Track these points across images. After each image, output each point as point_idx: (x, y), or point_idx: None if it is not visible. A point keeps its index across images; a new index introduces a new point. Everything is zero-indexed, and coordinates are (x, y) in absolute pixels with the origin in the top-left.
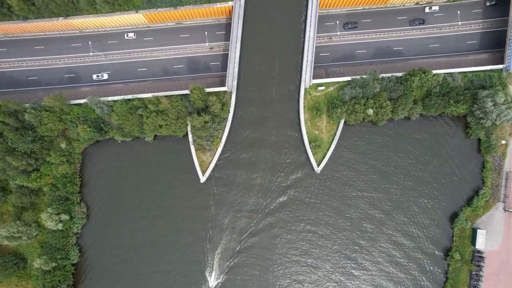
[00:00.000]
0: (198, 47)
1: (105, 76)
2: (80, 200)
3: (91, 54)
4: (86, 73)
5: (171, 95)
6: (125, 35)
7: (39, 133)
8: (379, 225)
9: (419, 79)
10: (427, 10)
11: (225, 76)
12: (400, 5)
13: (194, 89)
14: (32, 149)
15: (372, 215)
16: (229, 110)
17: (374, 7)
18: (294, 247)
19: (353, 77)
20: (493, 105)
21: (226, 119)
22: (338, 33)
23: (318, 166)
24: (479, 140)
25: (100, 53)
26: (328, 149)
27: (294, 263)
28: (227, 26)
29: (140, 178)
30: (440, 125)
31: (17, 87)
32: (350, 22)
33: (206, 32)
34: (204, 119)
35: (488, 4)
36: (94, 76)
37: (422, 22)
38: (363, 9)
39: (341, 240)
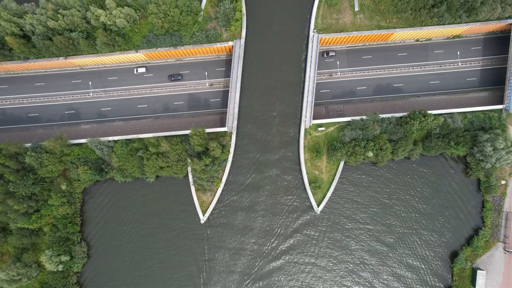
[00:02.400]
0: (198, 84)
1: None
2: (80, 239)
3: (90, 91)
4: (86, 110)
5: (171, 136)
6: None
7: (40, 175)
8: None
9: (419, 123)
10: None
11: (225, 113)
12: (400, 42)
13: (195, 134)
14: (33, 191)
15: (374, 248)
16: (229, 151)
17: (374, 43)
18: (295, 279)
19: (353, 118)
20: (493, 149)
21: (226, 160)
22: (339, 69)
23: (318, 207)
24: (479, 179)
25: (100, 89)
26: (328, 190)
27: None
28: (228, 63)
29: (140, 219)
30: (440, 163)
31: (17, 124)
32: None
33: (206, 69)
34: (204, 162)
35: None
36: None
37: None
38: (363, 45)
39: (343, 272)
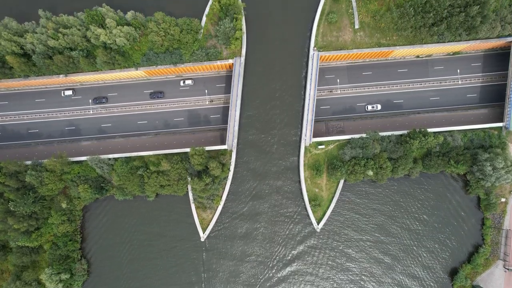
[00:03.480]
0: (198, 100)
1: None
2: (81, 256)
3: (90, 107)
4: (86, 126)
5: (171, 154)
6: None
7: (40, 193)
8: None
9: (419, 142)
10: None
11: (225, 129)
12: (400, 58)
13: (195, 153)
14: (33, 210)
15: (372, 266)
16: (229, 169)
17: (375, 59)
18: None
19: (353, 136)
20: (493, 169)
21: (226, 178)
22: (339, 85)
23: (318, 224)
24: (479, 197)
25: (99, 105)
26: (328, 207)
27: None
28: (228, 79)
29: (140, 236)
30: (440, 179)
31: (18, 140)
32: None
33: (206, 85)
34: (204, 182)
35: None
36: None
37: None
38: (364, 61)
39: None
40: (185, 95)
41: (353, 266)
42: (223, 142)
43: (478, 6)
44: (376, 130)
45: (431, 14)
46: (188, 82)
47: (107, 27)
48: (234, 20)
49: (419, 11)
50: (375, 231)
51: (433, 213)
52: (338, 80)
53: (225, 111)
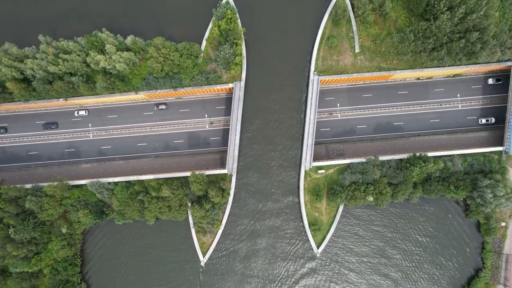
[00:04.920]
0: (198, 122)
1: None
2: (81, 280)
3: (90, 131)
4: (86, 148)
5: (172, 179)
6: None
7: (40, 219)
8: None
9: (419, 168)
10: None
11: (225, 151)
12: (400, 80)
13: (195, 180)
14: (33, 236)
15: (376, 282)
16: (229, 193)
17: (375, 81)
18: None
19: (353, 160)
20: (493, 196)
21: (226, 202)
22: (339, 108)
23: (318, 248)
24: (479, 221)
25: (99, 127)
26: (328, 231)
27: None
28: (228, 100)
29: (139, 259)
30: (441, 202)
31: (17, 162)
32: None
33: (206, 108)
34: (205, 208)
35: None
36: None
37: None
38: (364, 83)
39: None
40: (184, 117)
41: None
42: (223, 164)
43: (478, 32)
44: (376, 155)
45: (431, 40)
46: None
47: (107, 53)
48: (234, 45)
49: (419, 37)
50: (375, 254)
51: (433, 235)
52: (338, 103)
53: (225, 133)
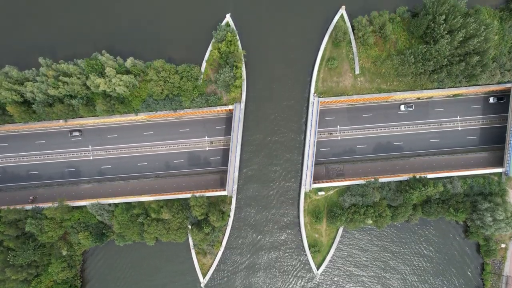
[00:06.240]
0: (198, 142)
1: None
2: None
3: (90, 151)
4: (86, 168)
5: (172, 200)
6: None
7: (40, 241)
8: None
9: (418, 192)
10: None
11: (225, 171)
12: (401, 100)
13: (195, 204)
14: (33, 259)
15: None
16: (229, 215)
17: (375, 101)
18: None
19: (352, 182)
20: (493, 220)
21: (226, 224)
22: (339, 127)
23: (317, 270)
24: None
25: (99, 147)
26: (327, 253)
27: None
28: (228, 120)
29: (140, 279)
30: (441, 223)
31: (17, 181)
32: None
33: (206, 127)
34: (204, 232)
35: (491, 101)
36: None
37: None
38: (364, 103)
39: None
40: (184, 137)
41: None
42: (223, 184)
43: (478, 56)
44: (376, 178)
45: (431, 62)
46: (76, 133)
47: (107, 76)
48: (234, 68)
49: (419, 59)
50: (375, 274)
51: (434, 255)
52: (338, 122)
53: (225, 152)
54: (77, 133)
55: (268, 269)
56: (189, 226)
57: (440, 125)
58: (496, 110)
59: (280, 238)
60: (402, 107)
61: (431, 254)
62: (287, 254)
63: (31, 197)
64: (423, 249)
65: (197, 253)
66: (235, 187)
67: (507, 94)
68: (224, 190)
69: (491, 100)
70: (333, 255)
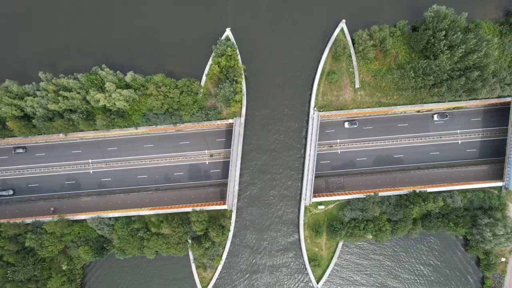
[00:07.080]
0: (198, 155)
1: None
2: None
3: (90, 166)
4: (87, 180)
5: (172, 215)
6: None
7: (40, 256)
8: None
9: (418, 207)
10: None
11: (225, 184)
12: (400, 113)
13: (196, 220)
14: (33, 274)
15: None
16: (229, 229)
17: (375, 114)
18: None
19: (352, 196)
20: (492, 235)
21: (226, 238)
22: (339, 140)
23: (318, 284)
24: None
25: (99, 159)
26: (327, 266)
27: None
28: (228, 133)
29: None
30: (442, 235)
31: (17, 194)
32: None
33: (206, 140)
34: (204, 246)
35: (435, 119)
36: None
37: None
38: (364, 116)
39: None
40: (184, 150)
41: None
42: (223, 197)
43: (479, 71)
44: (376, 191)
45: (432, 77)
46: (19, 150)
47: (107, 91)
48: (234, 82)
49: (419, 74)
50: (376, 286)
51: (435, 268)
52: (338, 135)
53: (225, 165)
54: (21, 150)
55: (268, 285)
56: (189, 241)
57: (440, 137)
58: (496, 123)
59: (280, 253)
60: (435, 117)
61: (432, 266)
62: (287, 270)
63: (52, 208)
64: (424, 261)
65: (197, 267)
66: (235, 201)
67: (506, 106)
68: (224, 203)
69: (435, 117)
70: (333, 268)
